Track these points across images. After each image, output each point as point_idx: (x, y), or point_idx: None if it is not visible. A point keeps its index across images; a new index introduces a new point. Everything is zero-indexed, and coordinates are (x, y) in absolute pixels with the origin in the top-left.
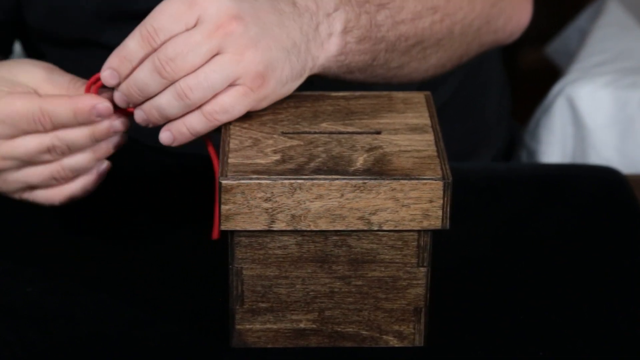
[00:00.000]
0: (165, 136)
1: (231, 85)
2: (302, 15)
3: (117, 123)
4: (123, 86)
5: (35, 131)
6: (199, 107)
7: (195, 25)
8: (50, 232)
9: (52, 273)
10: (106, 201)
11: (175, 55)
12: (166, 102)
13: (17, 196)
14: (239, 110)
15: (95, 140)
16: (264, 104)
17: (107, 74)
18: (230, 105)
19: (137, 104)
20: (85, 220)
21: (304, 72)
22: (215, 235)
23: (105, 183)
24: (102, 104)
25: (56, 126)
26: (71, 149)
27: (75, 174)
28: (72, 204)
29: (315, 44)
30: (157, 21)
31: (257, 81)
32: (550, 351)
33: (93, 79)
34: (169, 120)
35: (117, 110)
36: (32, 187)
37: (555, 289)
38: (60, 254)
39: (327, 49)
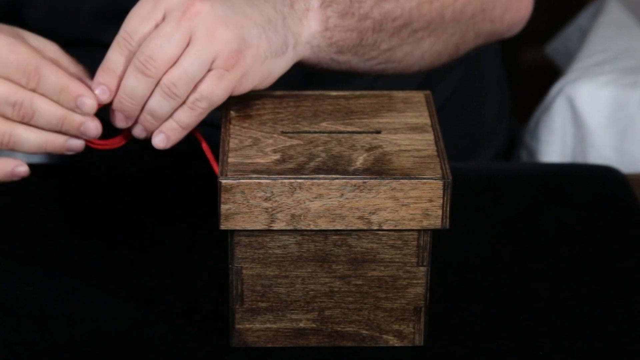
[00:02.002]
0: (158, 139)
1: (209, 69)
2: None
3: (91, 126)
4: (115, 102)
5: (17, 82)
6: (184, 100)
7: (163, 19)
8: (51, 231)
9: (53, 272)
10: (106, 201)
11: (151, 51)
12: (156, 103)
13: None
14: (219, 94)
15: (61, 126)
16: (248, 84)
17: (98, 92)
18: (208, 91)
19: (134, 117)
20: (85, 220)
21: (285, 47)
22: (217, 171)
23: (105, 183)
24: (89, 99)
25: (38, 89)
26: (34, 119)
27: (14, 148)
28: (72, 203)
29: (293, 20)
30: (128, 26)
31: (231, 60)
32: (550, 351)
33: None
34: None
35: (118, 137)
36: None
37: (555, 289)
38: (60, 254)
39: (307, 24)
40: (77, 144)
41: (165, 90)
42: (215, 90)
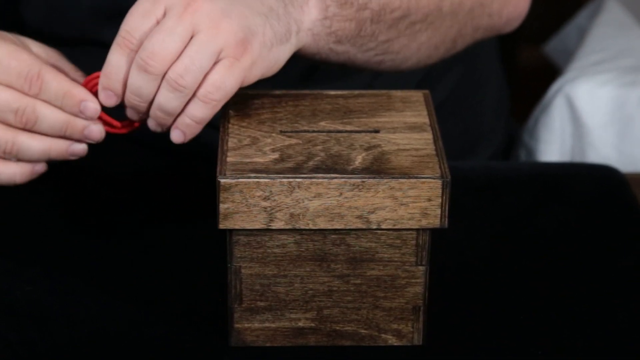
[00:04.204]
0: (175, 135)
1: (217, 61)
2: None
3: (95, 130)
4: (125, 99)
5: (19, 89)
6: (195, 94)
7: (164, 16)
8: (50, 232)
9: (53, 272)
10: (106, 201)
11: (153, 47)
12: (163, 98)
13: None
14: (231, 83)
15: (65, 131)
16: (257, 72)
17: (104, 97)
18: (220, 80)
19: (144, 112)
20: (85, 220)
21: (289, 34)
22: None
23: (105, 183)
24: (93, 103)
25: (41, 95)
26: (37, 125)
27: (18, 157)
28: (72, 203)
29: (294, 8)
30: (128, 24)
31: (239, 48)
32: (550, 351)
33: (93, 76)
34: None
35: (127, 124)
36: None
37: (555, 289)
38: (60, 254)
39: (307, 11)
40: (81, 149)
41: (172, 84)
42: (226, 80)
